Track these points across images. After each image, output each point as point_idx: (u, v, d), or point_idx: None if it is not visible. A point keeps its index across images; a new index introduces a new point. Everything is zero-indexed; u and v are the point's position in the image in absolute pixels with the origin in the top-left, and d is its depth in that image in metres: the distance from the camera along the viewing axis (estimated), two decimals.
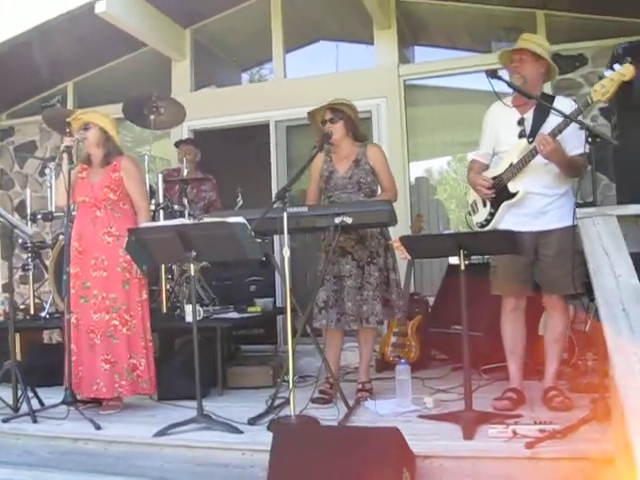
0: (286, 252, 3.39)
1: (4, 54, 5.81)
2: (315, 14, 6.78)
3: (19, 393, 3.88)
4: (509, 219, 3.52)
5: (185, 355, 4.65)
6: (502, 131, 3.63)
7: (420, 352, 5.02)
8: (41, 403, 3.97)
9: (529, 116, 3.54)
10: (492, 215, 3.59)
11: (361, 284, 3.94)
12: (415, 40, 6.67)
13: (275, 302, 5.49)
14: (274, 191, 6.21)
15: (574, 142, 3.38)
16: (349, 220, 3.54)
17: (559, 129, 3.26)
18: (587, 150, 3.11)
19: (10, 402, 3.89)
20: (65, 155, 3.92)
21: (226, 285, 5.62)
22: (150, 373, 4.01)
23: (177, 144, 5.90)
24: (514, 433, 2.89)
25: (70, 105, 7.00)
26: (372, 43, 6.21)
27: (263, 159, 6.39)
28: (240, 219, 3.24)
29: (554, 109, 3.21)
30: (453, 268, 5.08)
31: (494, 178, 3.59)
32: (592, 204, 3.01)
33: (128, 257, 3.86)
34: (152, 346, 4.08)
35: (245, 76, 7.63)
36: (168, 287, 5.03)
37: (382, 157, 4.17)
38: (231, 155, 6.70)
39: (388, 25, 5.99)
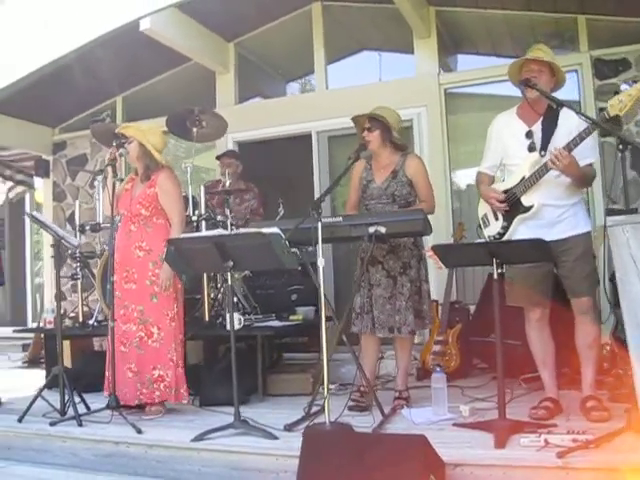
0: (321, 262, 3.45)
1: (55, 72, 6.03)
2: (357, 25, 6.86)
3: (66, 398, 4.04)
4: (524, 231, 3.50)
5: (227, 362, 4.74)
6: (509, 143, 3.62)
7: (460, 360, 4.99)
8: (87, 407, 4.11)
9: (537, 128, 3.52)
10: (505, 228, 3.59)
11: (391, 294, 3.97)
12: (457, 48, 6.67)
13: (317, 310, 5.54)
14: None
15: (584, 152, 3.38)
16: (383, 230, 3.58)
17: (574, 143, 3.25)
18: (595, 160, 3.10)
19: (58, 406, 4.04)
20: (109, 168, 4.07)
21: (268, 294, 5.70)
22: (177, 384, 4.06)
23: (218, 157, 6.02)
24: (546, 442, 2.87)
25: (119, 119, 7.26)
26: (413, 52, 6.24)
27: (306, 169, 6.48)
28: (275, 230, 3.31)
29: (584, 115, 3.20)
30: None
31: (506, 191, 3.59)
32: (621, 212, 2.98)
33: (157, 271, 4.00)
34: (182, 357, 4.14)
35: (290, 87, 7.76)
36: (212, 295, 5.15)
37: (421, 168, 4.16)
38: (275, 165, 6.80)
39: (428, 34, 6.02)
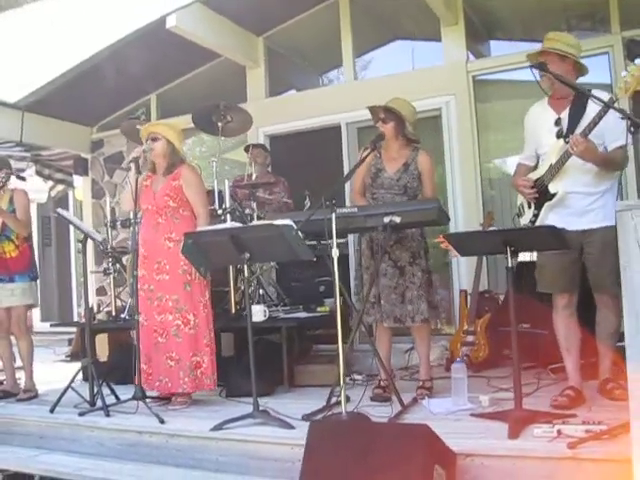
0: (335, 253, 3.46)
1: (90, 72, 6.18)
2: (387, 14, 6.78)
3: (96, 389, 4.15)
4: (553, 218, 3.49)
5: (256, 354, 4.81)
6: (542, 132, 3.62)
7: (489, 351, 4.93)
8: (117, 398, 4.21)
9: (565, 115, 3.51)
10: (536, 216, 3.59)
11: (397, 284, 3.96)
12: (489, 35, 6.55)
13: (344, 301, 5.54)
14: (347, 192, 6.29)
15: (612, 135, 3.34)
16: (398, 219, 3.56)
17: (589, 128, 3.22)
18: (629, 142, 3.01)
19: (90, 397, 4.18)
20: (133, 165, 4.15)
21: (299, 285, 5.73)
22: (213, 370, 4.18)
23: (247, 149, 6.07)
24: (559, 433, 2.82)
25: (154, 116, 7.37)
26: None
27: (336, 161, 6.47)
28: (287, 221, 3.33)
29: (594, 97, 3.14)
30: (523, 265, 5.02)
31: (537, 180, 3.59)
32: None
33: None
34: (214, 344, 4.23)
35: (324, 79, 7.74)
36: (242, 288, 5.19)
37: (431, 166, 4.16)
38: (305, 158, 6.81)
39: (455, 21, 5.92)
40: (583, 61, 3.59)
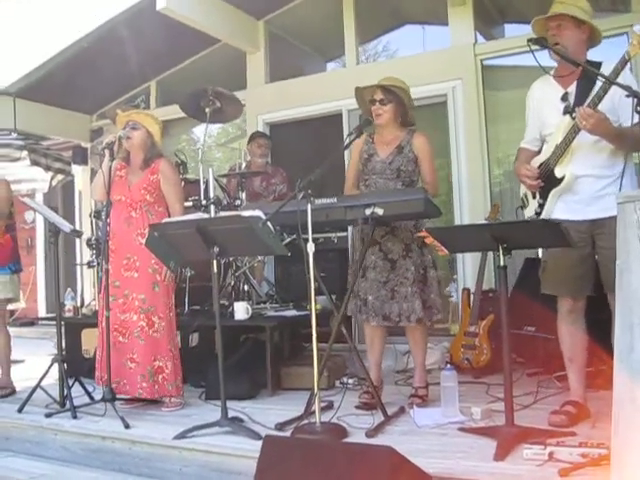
0: (311, 248, 3.16)
1: (89, 58, 5.99)
2: None
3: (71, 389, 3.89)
4: (561, 207, 3.08)
5: (240, 355, 4.54)
6: (546, 112, 3.19)
7: (492, 354, 4.58)
8: (91, 398, 3.96)
9: (572, 89, 3.07)
10: (541, 206, 3.16)
11: (387, 278, 3.62)
12: (502, 17, 6.17)
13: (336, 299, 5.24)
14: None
15: (629, 112, 2.80)
16: (380, 211, 3.22)
17: (599, 97, 2.79)
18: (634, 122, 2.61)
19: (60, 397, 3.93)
20: (107, 151, 3.88)
21: (294, 282, 5.43)
22: (176, 376, 3.92)
23: (252, 139, 5.79)
24: (550, 456, 2.48)
25: (153, 103, 7.14)
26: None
27: (337, 149, 6.15)
28: (256, 212, 3.03)
29: (597, 73, 2.75)
30: (530, 262, 4.66)
31: (541, 165, 3.16)
32: None
33: None
34: (178, 348, 4.01)
35: (331, 65, 7.42)
36: (232, 283, 4.92)
37: (428, 148, 3.78)
38: (306, 146, 6.51)
39: (462, 2, 5.55)
40: None
